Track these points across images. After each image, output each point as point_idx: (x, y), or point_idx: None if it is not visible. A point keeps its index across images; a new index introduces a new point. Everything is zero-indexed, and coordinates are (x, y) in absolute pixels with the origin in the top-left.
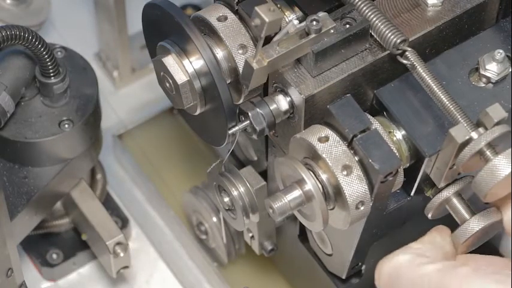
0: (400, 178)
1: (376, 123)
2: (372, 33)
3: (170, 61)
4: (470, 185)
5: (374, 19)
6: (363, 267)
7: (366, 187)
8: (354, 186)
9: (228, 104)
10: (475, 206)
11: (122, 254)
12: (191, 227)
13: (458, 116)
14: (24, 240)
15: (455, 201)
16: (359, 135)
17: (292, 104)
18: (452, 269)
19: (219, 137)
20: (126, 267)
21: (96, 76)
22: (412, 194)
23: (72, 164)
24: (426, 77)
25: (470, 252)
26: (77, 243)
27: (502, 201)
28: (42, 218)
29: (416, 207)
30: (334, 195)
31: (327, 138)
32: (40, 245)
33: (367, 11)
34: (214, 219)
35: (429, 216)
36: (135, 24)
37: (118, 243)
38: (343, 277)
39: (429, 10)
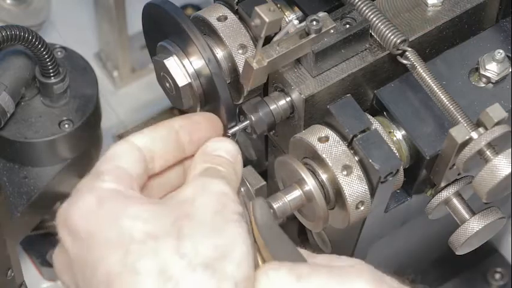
0: (400, 178)
1: (376, 123)
2: (372, 33)
3: (172, 63)
4: (470, 185)
5: (374, 19)
6: None
7: (366, 187)
8: (354, 186)
9: (228, 104)
10: (475, 206)
11: None
12: None
13: (458, 116)
14: (24, 240)
15: (455, 201)
16: (359, 135)
17: (292, 104)
18: None
19: None
20: None
21: (96, 76)
22: (412, 194)
23: (72, 164)
24: (426, 77)
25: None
26: None
27: None
28: (42, 218)
29: (416, 207)
30: (334, 195)
31: (327, 138)
32: (40, 245)
33: (367, 11)
34: None
35: (429, 216)
36: (135, 24)
37: None
38: None
39: (429, 10)
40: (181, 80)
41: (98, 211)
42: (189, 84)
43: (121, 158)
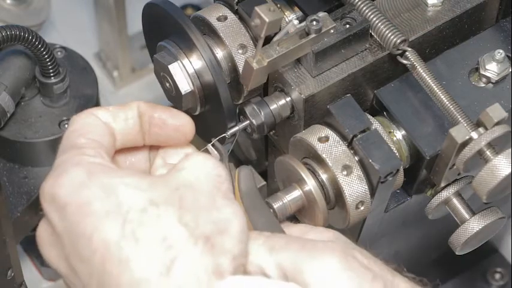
0: (400, 178)
1: (376, 123)
2: (372, 33)
3: (176, 68)
4: (470, 185)
5: (374, 19)
6: None
7: (366, 187)
8: (354, 186)
9: (228, 104)
10: (475, 206)
11: None
12: None
13: (458, 116)
14: (24, 240)
15: (455, 201)
16: (359, 135)
17: (292, 104)
18: None
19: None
20: None
21: (96, 76)
22: (412, 194)
23: None
24: (426, 77)
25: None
26: None
27: None
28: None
29: (416, 207)
30: (334, 195)
31: (327, 138)
32: None
33: (367, 11)
34: None
35: (429, 216)
36: (135, 24)
37: None
38: None
39: (429, 10)
40: (184, 86)
41: (90, 183)
42: (192, 91)
43: (93, 131)
